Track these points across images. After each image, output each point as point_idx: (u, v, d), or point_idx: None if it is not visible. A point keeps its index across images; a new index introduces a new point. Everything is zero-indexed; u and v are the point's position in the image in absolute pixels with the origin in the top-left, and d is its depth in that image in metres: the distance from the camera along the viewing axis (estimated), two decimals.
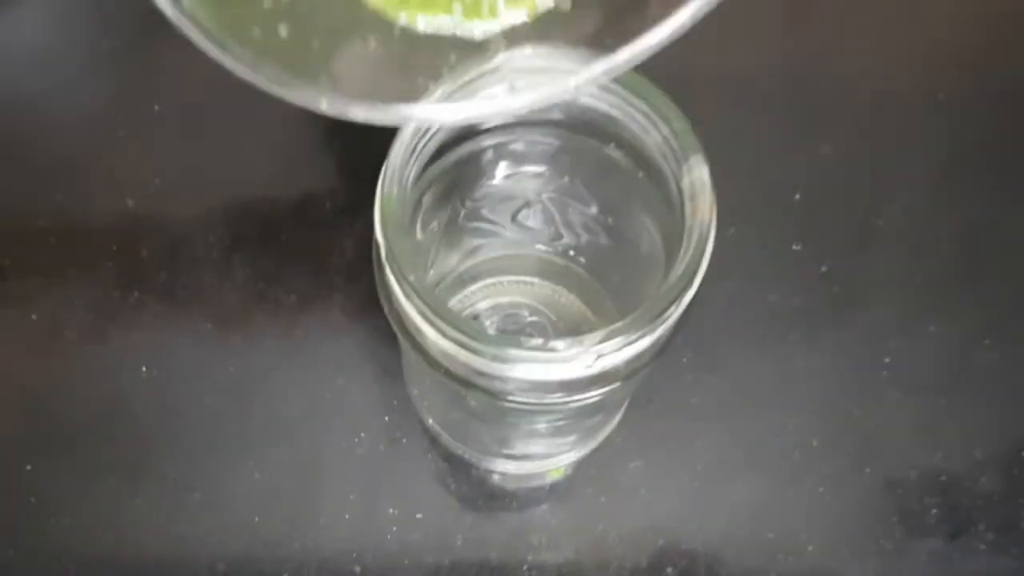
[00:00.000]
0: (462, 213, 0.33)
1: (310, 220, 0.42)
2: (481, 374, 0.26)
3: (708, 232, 0.25)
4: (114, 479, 0.38)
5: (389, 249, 0.25)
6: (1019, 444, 0.39)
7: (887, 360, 0.40)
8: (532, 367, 0.25)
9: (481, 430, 0.36)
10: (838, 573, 0.37)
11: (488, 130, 0.30)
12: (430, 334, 0.25)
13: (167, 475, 0.38)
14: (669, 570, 0.37)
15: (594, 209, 0.33)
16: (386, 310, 0.28)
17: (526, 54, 0.25)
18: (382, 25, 0.25)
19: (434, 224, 0.32)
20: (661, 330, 0.25)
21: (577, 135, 0.30)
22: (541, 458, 0.38)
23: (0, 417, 0.39)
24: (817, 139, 0.44)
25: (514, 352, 0.24)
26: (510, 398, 0.27)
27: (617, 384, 0.27)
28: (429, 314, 0.24)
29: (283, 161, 0.43)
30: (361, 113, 0.22)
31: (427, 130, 0.27)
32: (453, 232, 0.34)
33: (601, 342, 0.24)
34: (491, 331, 0.38)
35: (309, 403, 0.39)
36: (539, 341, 0.24)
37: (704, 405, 0.39)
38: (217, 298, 0.40)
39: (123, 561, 0.37)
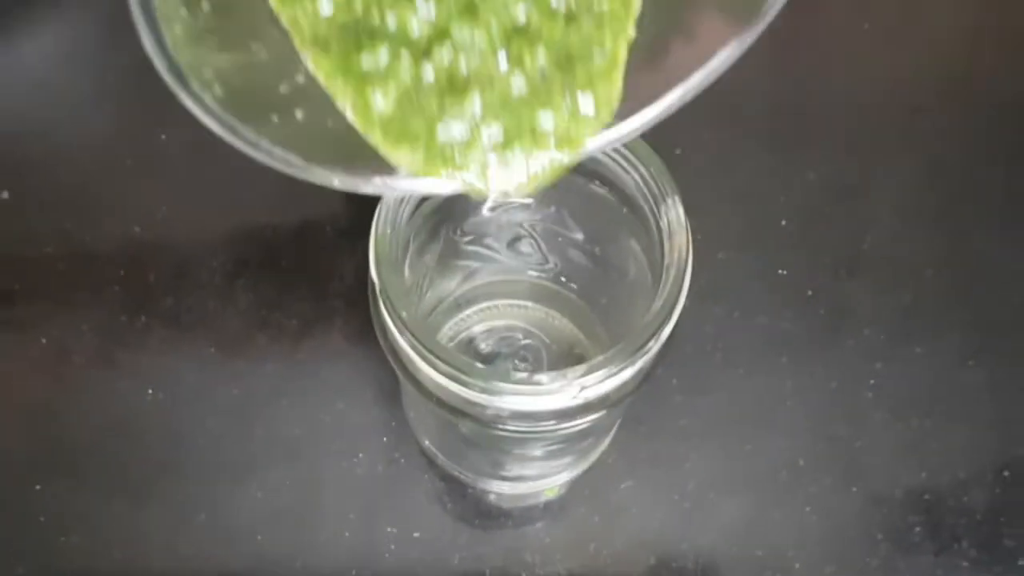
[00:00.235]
0: (456, 243, 0.34)
1: (311, 246, 0.43)
2: (472, 404, 0.27)
3: (685, 269, 0.26)
4: (121, 499, 0.39)
5: (383, 287, 0.26)
6: (1002, 463, 0.40)
7: (872, 381, 0.41)
8: (519, 399, 0.26)
9: (475, 453, 0.37)
10: None
11: None
12: (422, 367, 0.26)
13: (172, 495, 0.39)
14: None
15: (581, 237, 0.35)
16: (381, 342, 0.29)
17: None
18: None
19: (428, 255, 0.33)
20: (642, 362, 0.26)
21: None
22: (535, 479, 0.39)
23: (10, 438, 0.40)
24: (803, 166, 0.45)
25: (501, 385, 0.25)
26: (500, 426, 0.28)
27: (603, 412, 0.28)
28: (421, 349, 0.26)
29: (285, 188, 0.43)
30: (371, 189, 0.23)
31: None
32: (448, 260, 0.36)
33: (584, 375, 0.25)
34: (487, 349, 0.39)
35: (310, 425, 0.40)
36: (525, 375, 0.25)
37: (693, 426, 0.40)
38: (221, 323, 0.41)
39: None
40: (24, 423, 0.40)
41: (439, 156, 0.22)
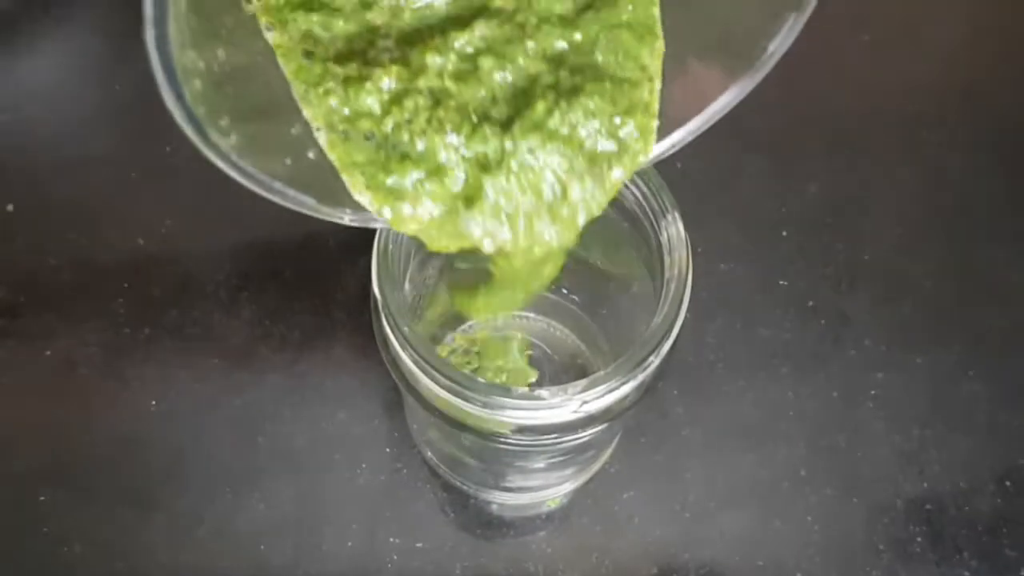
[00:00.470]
0: (457, 256, 0.34)
1: (314, 259, 0.43)
2: (473, 417, 0.27)
3: (685, 283, 0.26)
4: (125, 509, 0.39)
5: (385, 302, 0.26)
6: (1003, 473, 0.40)
7: (873, 392, 0.41)
8: (520, 413, 0.26)
9: (477, 465, 0.37)
10: None
11: None
12: (424, 381, 0.27)
13: (176, 505, 0.39)
14: None
15: (582, 250, 0.35)
16: (383, 355, 0.29)
17: None
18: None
19: (430, 269, 0.33)
20: (643, 376, 0.26)
21: None
22: (537, 490, 0.39)
23: (15, 449, 0.40)
24: (803, 178, 0.45)
25: (502, 400, 0.25)
26: (502, 439, 0.28)
27: (604, 425, 0.28)
28: (422, 363, 0.26)
29: None
30: (381, 225, 0.24)
31: None
32: (452, 272, 0.36)
33: (585, 390, 0.25)
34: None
35: (312, 436, 0.40)
36: (526, 389, 0.25)
37: (695, 437, 0.40)
38: (224, 335, 0.41)
39: None
40: (29, 434, 0.40)
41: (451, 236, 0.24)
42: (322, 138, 0.24)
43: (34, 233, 0.43)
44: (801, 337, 0.42)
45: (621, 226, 0.30)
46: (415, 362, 0.26)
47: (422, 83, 0.23)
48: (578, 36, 0.24)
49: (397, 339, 0.26)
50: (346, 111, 0.23)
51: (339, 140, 0.23)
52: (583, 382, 0.25)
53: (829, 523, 0.39)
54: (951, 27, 0.49)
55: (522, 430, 0.27)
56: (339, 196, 0.24)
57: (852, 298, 0.43)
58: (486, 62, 0.23)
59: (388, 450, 0.40)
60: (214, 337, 0.41)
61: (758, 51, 0.24)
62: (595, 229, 0.30)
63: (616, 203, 0.28)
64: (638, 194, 0.27)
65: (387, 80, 0.23)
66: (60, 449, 0.40)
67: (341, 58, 0.24)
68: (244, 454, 0.40)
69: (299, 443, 0.40)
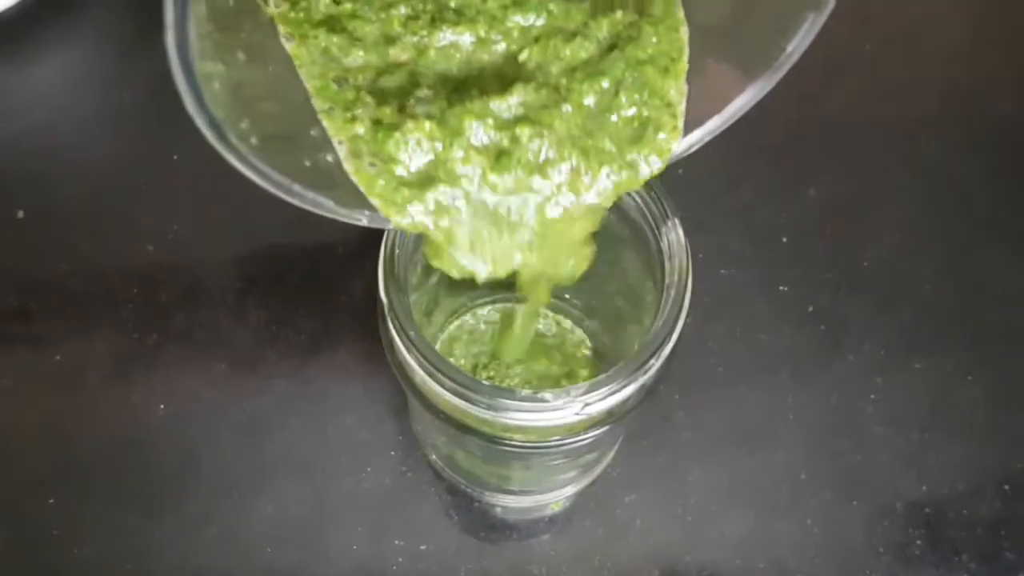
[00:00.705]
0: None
1: (320, 264, 0.43)
2: (478, 419, 0.28)
3: (685, 289, 0.26)
4: (133, 513, 0.39)
5: (391, 306, 0.27)
6: (1002, 477, 0.41)
7: (873, 396, 0.42)
8: (524, 415, 0.26)
9: (481, 467, 0.37)
10: None
11: None
12: (429, 384, 0.27)
13: (184, 509, 0.39)
14: None
15: None
16: (389, 359, 0.29)
17: None
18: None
19: (435, 274, 0.34)
20: (644, 379, 0.27)
21: None
22: (540, 492, 0.39)
23: (25, 453, 0.41)
24: (803, 183, 0.45)
25: (506, 402, 0.26)
26: (505, 442, 0.29)
27: (606, 427, 0.29)
28: (428, 366, 0.26)
29: (295, 207, 0.45)
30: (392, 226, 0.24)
31: None
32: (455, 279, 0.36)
33: (587, 392, 0.26)
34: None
35: (319, 440, 0.40)
36: (529, 392, 0.26)
37: (696, 440, 0.41)
38: (232, 340, 0.42)
39: None
40: (38, 438, 0.41)
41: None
42: (342, 152, 0.24)
43: (44, 240, 0.44)
44: (801, 342, 0.42)
45: (622, 231, 0.30)
46: (421, 365, 0.26)
47: (456, 147, 0.24)
48: (606, 83, 0.24)
49: (403, 342, 0.27)
50: (373, 149, 0.24)
51: (361, 165, 0.24)
52: (585, 385, 0.26)
53: (829, 526, 0.40)
54: (950, 32, 0.50)
55: (526, 432, 0.28)
56: (357, 197, 0.25)
57: (852, 303, 0.43)
58: (524, 132, 0.24)
59: (393, 454, 0.40)
60: (222, 342, 0.42)
61: (776, 51, 0.24)
62: (596, 234, 0.31)
63: (617, 209, 0.28)
64: (639, 200, 0.28)
65: (418, 136, 0.24)
66: (69, 453, 0.40)
67: (375, 94, 0.24)
68: (251, 458, 0.40)
69: (306, 447, 0.40)
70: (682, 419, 0.41)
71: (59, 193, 0.45)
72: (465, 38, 0.24)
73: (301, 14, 0.24)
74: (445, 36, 0.24)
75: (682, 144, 0.26)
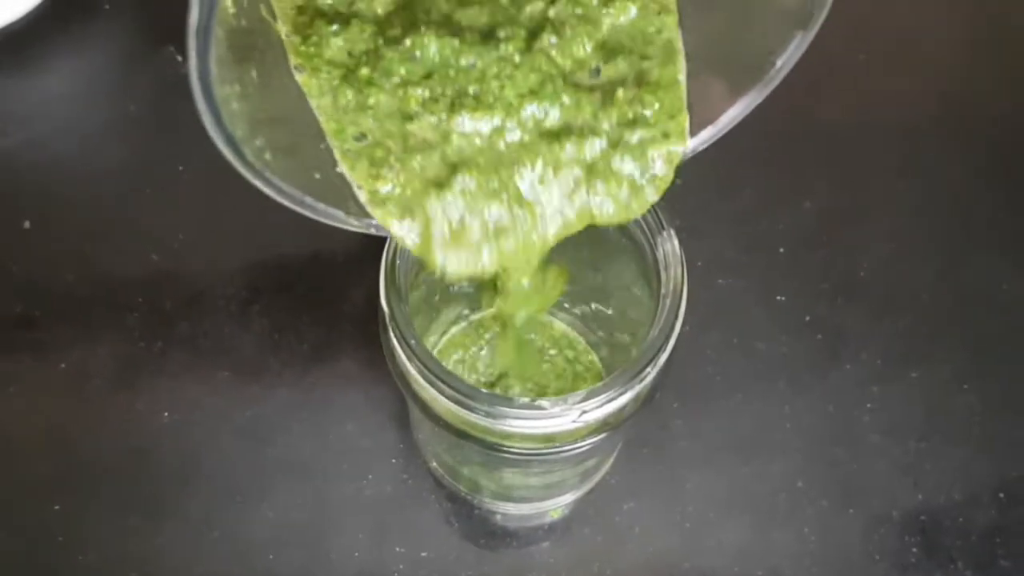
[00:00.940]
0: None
1: (323, 272, 0.44)
2: (477, 427, 0.28)
3: (680, 299, 0.27)
4: (137, 518, 0.40)
5: (392, 315, 0.27)
6: (998, 485, 0.41)
7: (869, 405, 0.42)
8: (522, 422, 0.27)
9: (481, 475, 0.38)
10: None
11: None
12: (429, 391, 0.27)
13: (187, 515, 0.40)
14: None
15: (582, 266, 0.36)
16: (390, 367, 0.30)
17: None
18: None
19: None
20: (640, 387, 0.27)
21: None
22: (540, 500, 0.39)
23: (30, 459, 0.41)
24: (800, 193, 0.46)
25: (505, 410, 0.26)
26: (505, 449, 0.29)
27: (604, 435, 0.29)
28: (428, 374, 0.27)
29: (298, 216, 0.45)
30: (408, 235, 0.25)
31: None
32: (454, 287, 0.37)
33: (584, 400, 0.26)
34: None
35: (321, 447, 0.41)
36: (527, 400, 0.26)
37: (694, 449, 0.41)
38: (235, 347, 0.42)
39: None
40: (43, 444, 0.41)
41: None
42: (362, 196, 0.25)
43: (50, 249, 0.44)
44: (798, 351, 0.43)
45: (619, 241, 0.31)
46: (421, 373, 0.27)
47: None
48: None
49: (404, 351, 0.27)
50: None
51: (385, 213, 0.25)
52: (582, 392, 0.26)
53: (826, 534, 0.40)
54: (947, 44, 0.50)
55: (524, 439, 0.28)
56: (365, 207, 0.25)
57: (848, 312, 0.44)
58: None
59: (394, 461, 0.41)
60: (225, 350, 0.42)
61: (767, 65, 0.25)
62: (594, 244, 0.31)
63: None
64: None
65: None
66: (74, 459, 0.41)
67: (404, 163, 0.25)
68: (254, 464, 0.40)
69: (307, 454, 0.41)
70: (680, 427, 0.41)
71: (65, 202, 0.45)
72: (483, 124, 0.25)
73: (312, 48, 0.24)
74: (464, 122, 0.25)
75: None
